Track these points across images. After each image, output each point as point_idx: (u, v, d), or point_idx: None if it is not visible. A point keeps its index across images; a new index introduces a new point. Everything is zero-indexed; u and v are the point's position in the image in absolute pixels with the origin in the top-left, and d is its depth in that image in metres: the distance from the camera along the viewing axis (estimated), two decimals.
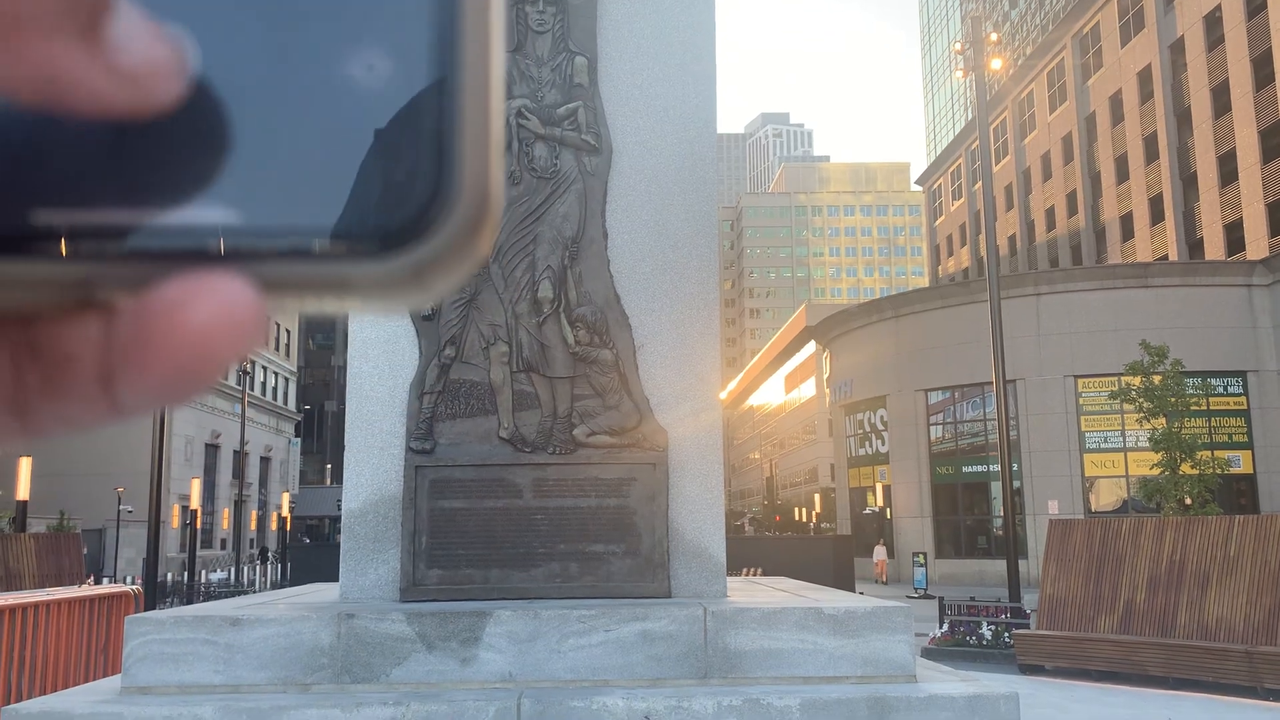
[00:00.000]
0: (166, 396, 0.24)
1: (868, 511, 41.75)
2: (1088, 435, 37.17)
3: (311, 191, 0.23)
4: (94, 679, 7.62)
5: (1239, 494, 33.09)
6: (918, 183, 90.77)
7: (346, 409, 6.15)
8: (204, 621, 5.07)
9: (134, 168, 0.23)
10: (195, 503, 29.37)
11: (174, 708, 4.71)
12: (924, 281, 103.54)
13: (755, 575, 12.88)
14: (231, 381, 47.13)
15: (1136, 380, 20.85)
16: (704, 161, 6.51)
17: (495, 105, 0.25)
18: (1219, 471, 21.91)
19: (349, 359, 6.13)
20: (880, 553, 37.27)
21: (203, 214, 0.23)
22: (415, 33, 0.24)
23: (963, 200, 73.75)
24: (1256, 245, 42.94)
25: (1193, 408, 21.86)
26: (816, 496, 74.28)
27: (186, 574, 28.14)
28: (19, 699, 6.99)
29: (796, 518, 70.47)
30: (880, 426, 43.71)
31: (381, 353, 6.05)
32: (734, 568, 14.67)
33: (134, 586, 10.13)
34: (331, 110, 0.23)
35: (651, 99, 6.46)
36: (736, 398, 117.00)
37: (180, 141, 0.23)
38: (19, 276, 0.22)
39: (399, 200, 0.23)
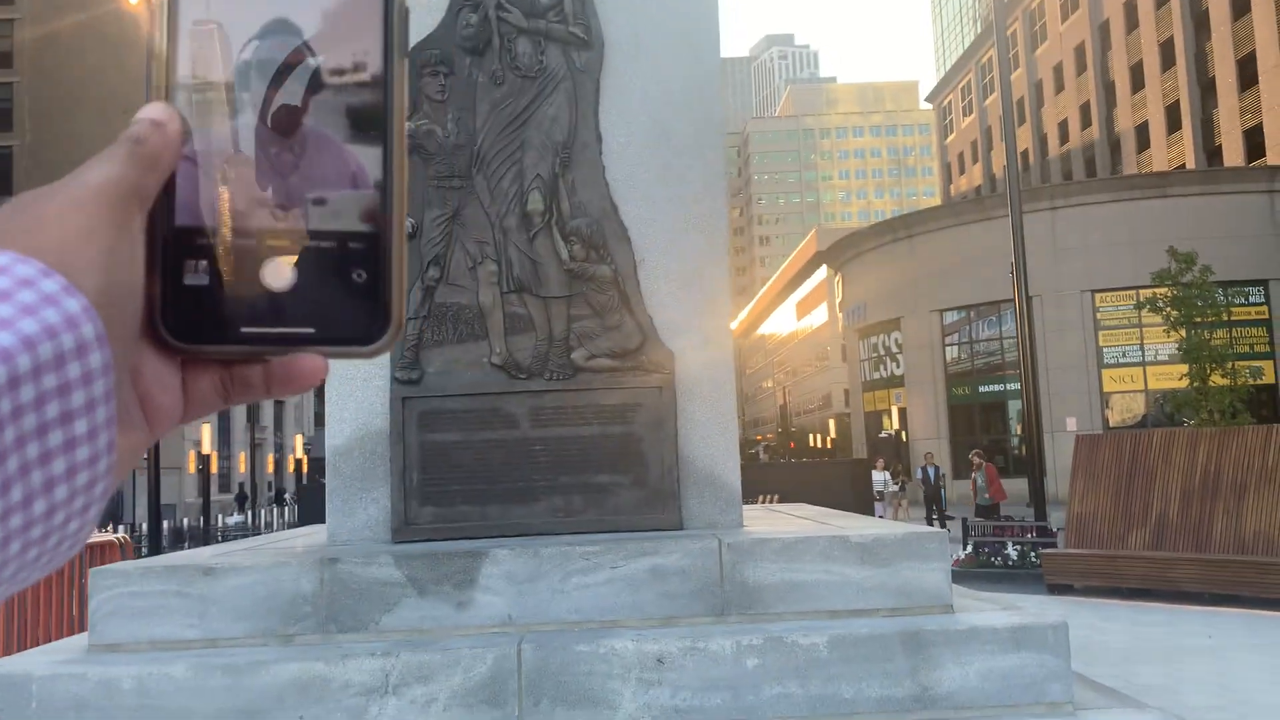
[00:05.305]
0: (292, 392, 0.52)
1: (884, 435, 41.38)
2: (1106, 350, 36.54)
3: (339, 317, 0.49)
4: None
5: (1261, 405, 32.44)
6: (927, 100, 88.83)
7: None
8: (175, 572, 4.65)
9: (278, 315, 0.49)
10: (207, 448, 29.16)
11: (144, 666, 4.31)
12: (936, 201, 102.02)
13: (773, 503, 12.48)
14: None
15: (1164, 291, 20.16)
16: (707, 59, 5.90)
17: (403, 266, 0.50)
18: (1250, 382, 21.28)
19: None
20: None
21: (304, 328, 0.49)
22: (371, 233, 0.50)
23: (973, 116, 72.09)
24: (1278, 150, 41.79)
25: (1215, 318, 21.21)
26: (831, 422, 74.00)
27: (202, 519, 28.07)
28: None
29: (811, 444, 70.27)
30: (895, 349, 43.16)
31: None
32: (750, 495, 14.28)
33: (118, 535, 9.65)
34: (347, 280, 0.50)
35: None
36: (748, 327, 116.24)
37: (298, 304, 0.50)
38: (232, 354, 0.50)
39: (370, 321, 0.49)
